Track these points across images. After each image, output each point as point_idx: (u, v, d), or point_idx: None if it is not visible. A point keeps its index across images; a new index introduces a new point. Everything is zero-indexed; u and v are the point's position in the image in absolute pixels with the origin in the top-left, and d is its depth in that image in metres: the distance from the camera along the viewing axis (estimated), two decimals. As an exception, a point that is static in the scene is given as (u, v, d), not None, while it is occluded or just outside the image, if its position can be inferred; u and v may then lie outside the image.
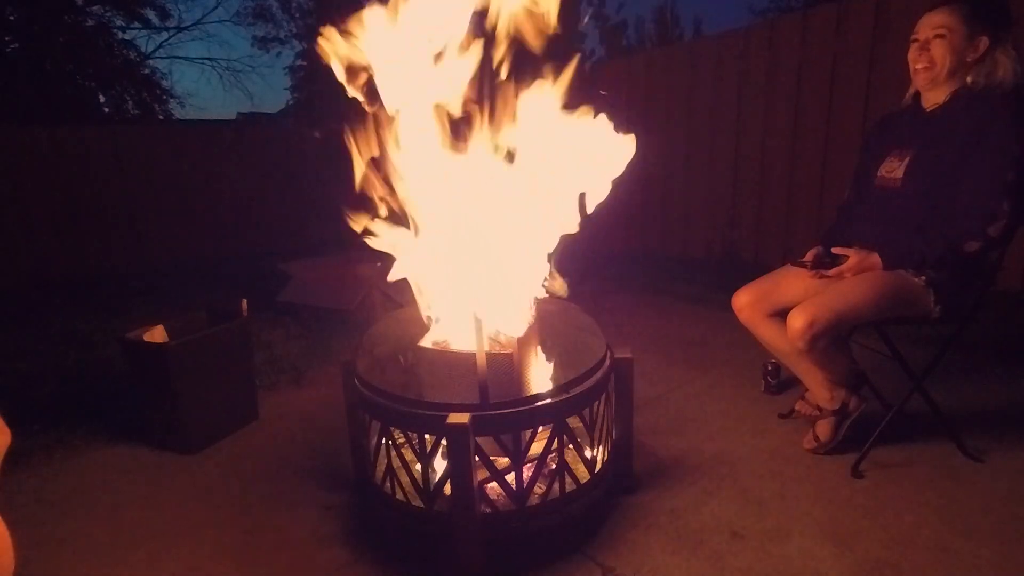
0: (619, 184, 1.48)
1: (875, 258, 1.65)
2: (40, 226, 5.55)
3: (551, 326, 1.74)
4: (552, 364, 1.68)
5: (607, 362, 1.57)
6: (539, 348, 1.64)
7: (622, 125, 1.47)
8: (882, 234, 1.70)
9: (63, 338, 3.51)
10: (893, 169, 1.72)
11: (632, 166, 1.46)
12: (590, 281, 4.38)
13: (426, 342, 1.59)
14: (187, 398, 2.03)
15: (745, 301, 1.88)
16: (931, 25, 1.60)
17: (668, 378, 2.52)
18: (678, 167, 4.81)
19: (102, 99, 11.88)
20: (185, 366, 2.01)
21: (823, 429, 1.84)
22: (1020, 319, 2.76)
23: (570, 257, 1.63)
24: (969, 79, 1.60)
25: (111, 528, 1.67)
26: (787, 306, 1.70)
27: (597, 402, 1.51)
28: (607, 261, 4.90)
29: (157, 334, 2.12)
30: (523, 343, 1.50)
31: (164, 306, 4.23)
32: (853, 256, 1.68)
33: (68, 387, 2.71)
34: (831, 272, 1.72)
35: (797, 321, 1.60)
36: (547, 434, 1.40)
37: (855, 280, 1.65)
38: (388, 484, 1.50)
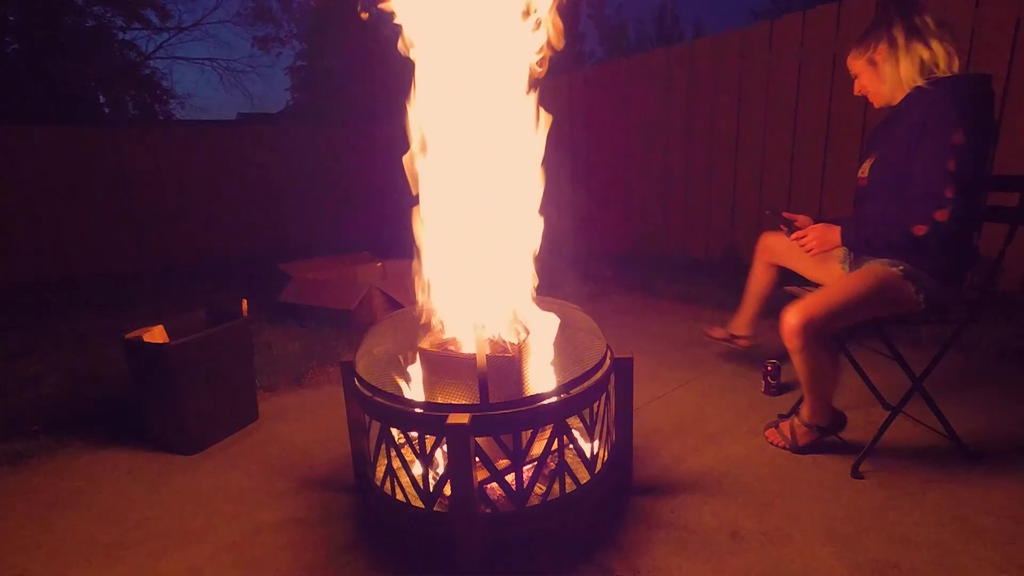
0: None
1: (836, 231, 1.78)
2: (39, 226, 5.55)
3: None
4: (552, 364, 1.68)
5: (607, 362, 1.57)
6: (538, 349, 1.64)
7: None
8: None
9: (63, 338, 3.52)
10: (863, 170, 1.85)
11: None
12: (590, 282, 4.39)
13: (426, 343, 1.59)
14: (187, 398, 2.03)
15: (764, 244, 2.26)
16: (850, 70, 1.81)
17: (668, 378, 2.52)
18: (678, 168, 4.81)
19: (102, 99, 11.90)
20: (185, 366, 2.01)
21: (799, 432, 1.85)
22: (1020, 319, 2.76)
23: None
24: (922, 80, 1.66)
25: (111, 528, 1.67)
26: (784, 264, 2.17)
27: (597, 402, 1.51)
28: (606, 262, 4.90)
29: (157, 334, 2.12)
30: (523, 345, 1.50)
31: (164, 306, 4.23)
32: (817, 226, 1.84)
33: (68, 387, 2.71)
34: (793, 236, 1.89)
35: (792, 318, 1.63)
36: (547, 434, 1.40)
37: (842, 279, 1.76)
38: (388, 484, 1.50)
